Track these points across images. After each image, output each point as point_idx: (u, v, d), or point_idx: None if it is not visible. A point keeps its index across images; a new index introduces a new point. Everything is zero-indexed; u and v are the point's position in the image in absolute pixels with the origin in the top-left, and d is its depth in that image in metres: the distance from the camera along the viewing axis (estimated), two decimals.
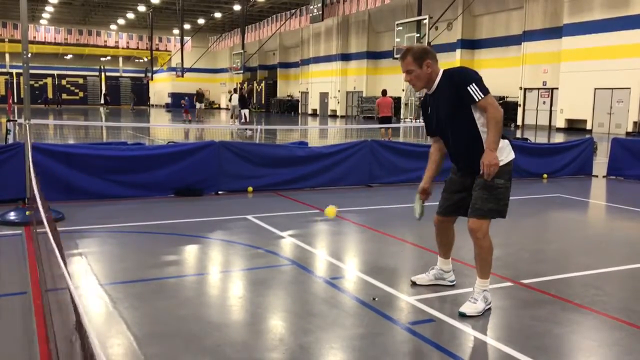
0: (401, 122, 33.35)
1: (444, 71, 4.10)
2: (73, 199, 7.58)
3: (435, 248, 4.67)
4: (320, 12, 38.35)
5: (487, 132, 3.91)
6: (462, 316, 3.93)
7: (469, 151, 4.06)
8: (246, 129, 22.58)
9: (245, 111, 27.37)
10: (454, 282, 4.58)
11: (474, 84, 3.89)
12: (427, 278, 4.57)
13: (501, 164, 3.93)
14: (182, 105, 39.28)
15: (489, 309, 4.05)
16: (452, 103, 4.00)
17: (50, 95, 60.14)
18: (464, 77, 3.96)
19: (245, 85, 46.17)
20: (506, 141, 4.05)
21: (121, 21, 55.93)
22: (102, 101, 57.10)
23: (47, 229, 2.24)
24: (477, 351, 3.52)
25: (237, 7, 46.66)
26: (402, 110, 37.83)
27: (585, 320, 3.99)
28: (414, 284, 4.56)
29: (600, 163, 12.62)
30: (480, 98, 3.88)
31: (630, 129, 26.61)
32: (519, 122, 32.69)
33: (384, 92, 20.73)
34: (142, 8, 49.65)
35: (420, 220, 4.50)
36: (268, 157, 9.06)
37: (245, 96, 28.14)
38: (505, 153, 4.01)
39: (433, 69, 4.06)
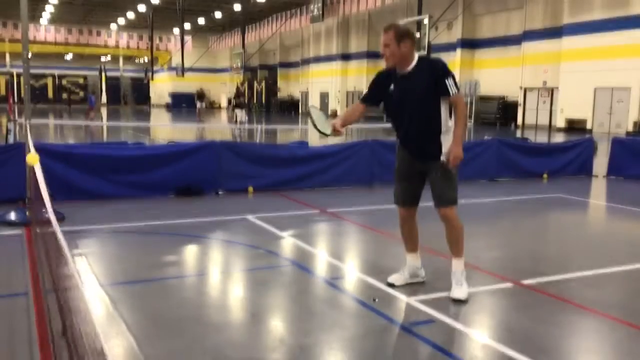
0: None
1: (421, 57, 4.31)
2: (73, 199, 7.58)
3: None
4: (321, 12, 38.29)
5: (455, 126, 4.18)
6: (458, 302, 4.09)
7: (426, 139, 4.26)
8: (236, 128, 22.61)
9: (238, 111, 26.17)
10: (425, 278, 4.62)
11: (451, 79, 4.13)
12: (403, 277, 4.56)
13: None
14: (88, 102, 34.15)
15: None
16: (426, 90, 4.17)
17: (50, 95, 60.20)
18: (445, 69, 4.19)
19: (238, 84, 44.48)
20: None
21: (121, 21, 55.87)
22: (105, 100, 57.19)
23: (55, 228, 2.24)
24: (477, 352, 3.52)
25: (237, 7, 46.64)
26: None
27: (585, 321, 3.99)
28: (391, 285, 4.51)
29: (601, 163, 12.60)
30: (454, 93, 4.12)
31: (630, 129, 26.58)
32: (519, 122, 32.68)
33: None
34: (142, 8, 49.59)
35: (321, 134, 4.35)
36: (268, 156, 9.06)
37: (239, 96, 27.03)
38: None
39: (409, 51, 4.21)
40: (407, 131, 4.34)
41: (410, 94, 4.23)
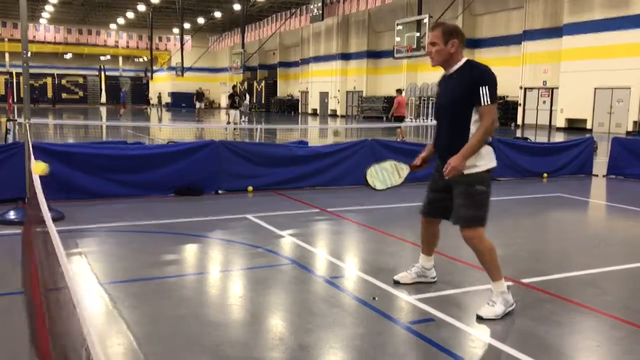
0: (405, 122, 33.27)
1: (469, 60, 4.02)
2: (73, 199, 7.57)
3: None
4: (320, 12, 38.32)
5: (473, 136, 3.88)
6: (479, 319, 3.84)
7: (455, 147, 3.93)
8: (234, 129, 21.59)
9: (232, 112, 24.15)
10: (436, 279, 4.59)
11: (487, 87, 3.84)
12: (410, 276, 4.54)
13: (480, 169, 3.93)
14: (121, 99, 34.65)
15: (511, 312, 3.94)
16: (459, 95, 3.93)
17: (50, 94, 60.19)
18: (484, 76, 3.90)
19: (238, 84, 42.79)
20: (490, 148, 3.99)
21: (121, 20, 55.90)
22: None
23: (50, 227, 2.24)
24: (477, 351, 3.52)
25: (237, 7, 46.64)
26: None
27: (585, 320, 3.99)
28: (397, 283, 4.52)
29: (601, 162, 12.61)
30: (485, 103, 3.84)
31: (630, 129, 26.59)
32: (519, 122, 32.69)
33: (401, 91, 21.16)
34: (142, 7, 49.62)
35: (380, 190, 4.50)
36: (268, 156, 9.05)
37: (234, 96, 24.54)
38: (485, 159, 3.96)
39: (457, 51, 3.98)
40: (439, 137, 4.16)
41: (447, 97, 4.04)
